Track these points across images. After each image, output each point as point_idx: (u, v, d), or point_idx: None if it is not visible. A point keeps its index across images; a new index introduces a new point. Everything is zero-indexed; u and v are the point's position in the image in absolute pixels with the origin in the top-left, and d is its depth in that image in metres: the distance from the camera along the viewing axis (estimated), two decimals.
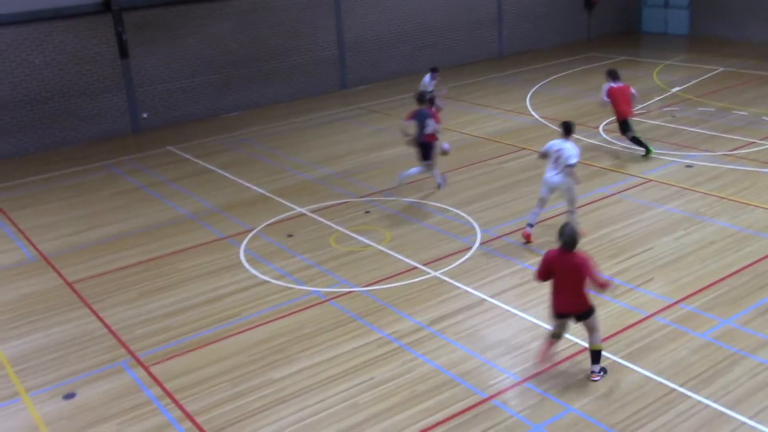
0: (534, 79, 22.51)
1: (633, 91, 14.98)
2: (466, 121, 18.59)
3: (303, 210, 13.65)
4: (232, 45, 20.88)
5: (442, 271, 10.91)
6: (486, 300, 10.02)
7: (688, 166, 14.44)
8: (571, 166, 11.10)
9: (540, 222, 11.86)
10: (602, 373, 8.23)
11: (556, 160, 11.23)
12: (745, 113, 17.57)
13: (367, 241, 12.11)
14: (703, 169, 14.21)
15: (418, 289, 10.46)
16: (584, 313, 8.02)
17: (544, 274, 8.13)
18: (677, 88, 20.08)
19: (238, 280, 11.14)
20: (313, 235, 12.52)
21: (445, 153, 14.20)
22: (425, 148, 13.70)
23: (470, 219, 12.70)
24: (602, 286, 7.86)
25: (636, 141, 15.05)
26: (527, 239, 11.60)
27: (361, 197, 14.10)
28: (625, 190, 13.51)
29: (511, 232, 12.06)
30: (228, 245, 12.38)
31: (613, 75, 14.94)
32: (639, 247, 11.22)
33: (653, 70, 22.42)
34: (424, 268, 11.06)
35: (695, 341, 8.73)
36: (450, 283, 10.54)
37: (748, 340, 8.68)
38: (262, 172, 16.00)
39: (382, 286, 10.58)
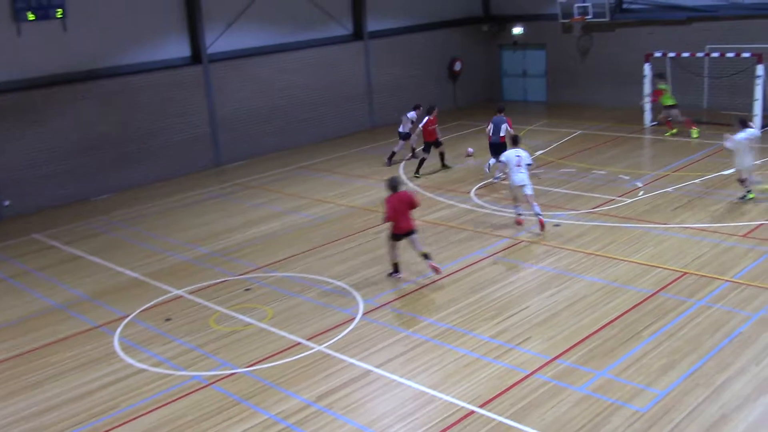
0: (405, 148, 23.08)
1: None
2: (342, 193, 18.80)
3: (180, 292, 13.27)
4: (99, 127, 20.37)
5: (326, 344, 10.82)
6: (372, 371, 9.98)
7: (556, 225, 15.12)
8: (530, 165, 14.85)
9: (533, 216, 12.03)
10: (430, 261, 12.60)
11: (519, 164, 14.64)
12: (604, 172, 18.67)
13: (248, 320, 11.88)
14: (569, 228, 14.91)
15: (303, 365, 10.30)
16: (413, 230, 12.59)
17: (391, 214, 12.43)
18: (541, 152, 21.13)
19: (113, 370, 10.62)
20: (192, 318, 12.16)
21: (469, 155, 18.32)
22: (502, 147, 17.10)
23: (351, 290, 12.72)
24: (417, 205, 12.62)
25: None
26: (541, 225, 14.66)
27: (240, 275, 13.87)
28: (499, 251, 13.96)
29: (393, 300, 12.16)
30: (101, 334, 11.82)
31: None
32: (515, 307, 11.55)
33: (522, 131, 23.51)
34: (307, 343, 10.93)
35: (575, 395, 9.00)
36: (335, 357, 10.45)
37: (623, 389, 9.03)
38: (136, 255, 15.50)
39: (266, 365, 10.36)
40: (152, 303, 12.88)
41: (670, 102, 22.04)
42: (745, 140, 15.12)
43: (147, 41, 21.32)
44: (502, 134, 18.08)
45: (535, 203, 14.82)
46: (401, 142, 21.38)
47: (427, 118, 19.53)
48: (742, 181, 15.53)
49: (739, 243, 13.40)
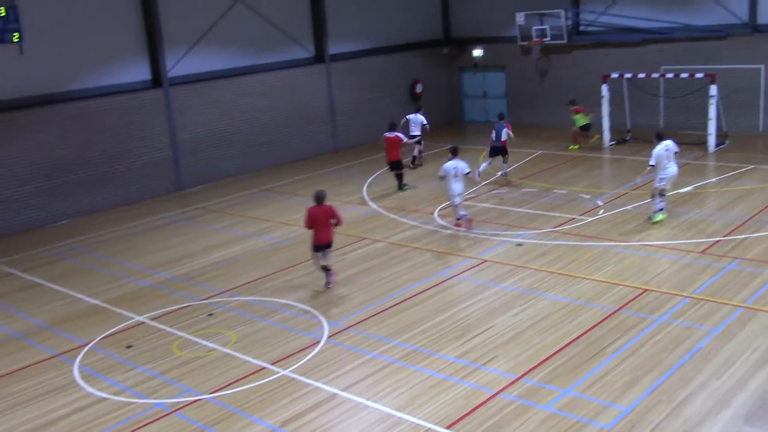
0: (369, 170, 23.19)
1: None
2: None
3: (142, 318, 13.07)
4: (59, 151, 20.08)
5: (291, 368, 10.73)
6: (338, 394, 9.92)
7: (519, 244, 15.25)
8: (467, 173, 16.00)
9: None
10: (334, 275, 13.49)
11: (456, 174, 15.81)
12: (564, 192, 18.91)
13: (212, 345, 11.74)
14: (532, 247, 15.05)
15: (268, 390, 10.20)
16: (330, 243, 13.34)
17: (309, 223, 13.19)
18: (502, 172, 21.33)
19: (73, 400, 10.39)
20: (155, 344, 11.98)
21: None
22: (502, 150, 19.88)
23: (316, 313, 12.66)
24: (339, 221, 13.29)
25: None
26: (466, 225, 16.08)
27: (203, 299, 13.72)
28: (463, 272, 14.02)
29: (358, 322, 12.12)
30: (60, 363, 11.58)
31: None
32: (480, 327, 11.59)
33: (479, 156, 23.74)
34: (272, 367, 10.83)
35: (541, 414, 9.03)
36: (300, 381, 10.36)
37: (588, 407, 9.09)
38: (96, 281, 15.25)
39: (230, 391, 10.23)
40: (113, 330, 12.66)
41: (583, 122, 23.56)
42: (663, 153, 15.52)
43: (106, 65, 21.14)
44: (503, 139, 20.08)
45: (461, 210, 16.31)
46: (417, 146, 22.76)
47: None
48: (661, 195, 15.81)
49: (697, 259, 13.65)
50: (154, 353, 11.63)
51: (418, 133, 22.69)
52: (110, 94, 21.14)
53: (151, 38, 21.91)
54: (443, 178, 16.07)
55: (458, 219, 16.38)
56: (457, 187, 15.91)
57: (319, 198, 13.26)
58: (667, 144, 15.70)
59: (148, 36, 21.92)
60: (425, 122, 22.79)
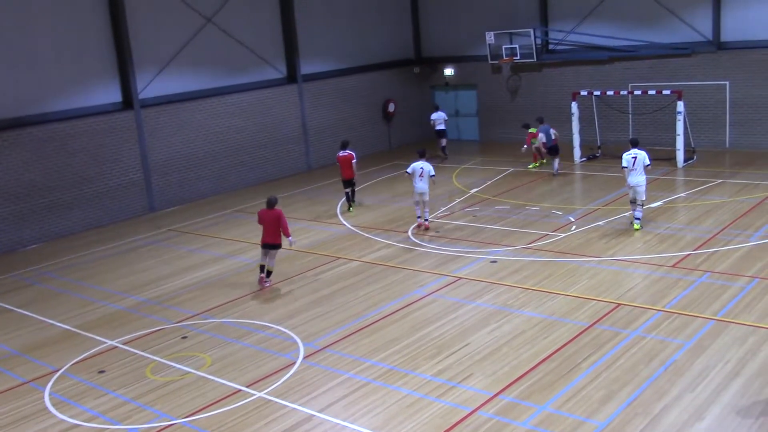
0: (343, 189, 23.13)
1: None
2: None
3: (114, 343, 12.90)
4: (27, 175, 19.82)
5: (267, 390, 10.64)
6: (314, 416, 9.84)
7: (493, 261, 15.31)
8: (433, 176, 17.46)
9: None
10: (269, 278, 14.93)
11: (421, 174, 17.23)
12: (537, 208, 19.06)
13: (186, 368, 11.61)
14: (506, 264, 15.11)
15: (244, 412, 10.09)
16: (276, 245, 14.67)
17: (259, 222, 14.75)
18: (475, 189, 21.47)
19: (44, 428, 10.20)
20: (127, 369, 11.81)
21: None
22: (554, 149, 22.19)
23: (291, 333, 12.58)
24: (285, 230, 14.58)
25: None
26: (425, 228, 17.55)
27: (176, 322, 13.58)
28: (438, 289, 14.03)
29: (334, 343, 12.06)
30: (30, 390, 11.37)
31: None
32: (456, 344, 11.59)
33: (452, 174, 23.89)
34: (248, 390, 10.73)
35: (518, 430, 9.03)
36: (276, 403, 10.27)
37: (564, 423, 9.11)
38: (67, 306, 15.03)
39: (205, 415, 10.11)
40: (85, 355, 12.48)
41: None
42: (630, 160, 16.12)
43: (76, 87, 20.99)
44: (553, 138, 22.29)
45: (426, 210, 17.71)
46: (442, 140, 26.63)
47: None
48: (632, 203, 16.64)
49: (668, 273, 13.80)
50: (127, 378, 11.47)
51: (443, 127, 26.46)
52: (80, 116, 20.96)
53: (122, 60, 21.80)
54: (411, 175, 17.58)
55: (421, 218, 17.86)
56: (419, 186, 17.34)
57: (270, 202, 14.68)
58: (635, 152, 16.21)
59: (118, 58, 21.81)
60: (446, 118, 26.67)
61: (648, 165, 16.17)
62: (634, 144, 16.67)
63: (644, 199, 16.50)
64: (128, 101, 22.00)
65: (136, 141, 22.10)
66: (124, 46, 21.63)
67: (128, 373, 11.66)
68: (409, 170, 17.74)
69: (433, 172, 17.56)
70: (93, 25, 21.26)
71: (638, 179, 16.12)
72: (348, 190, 20.64)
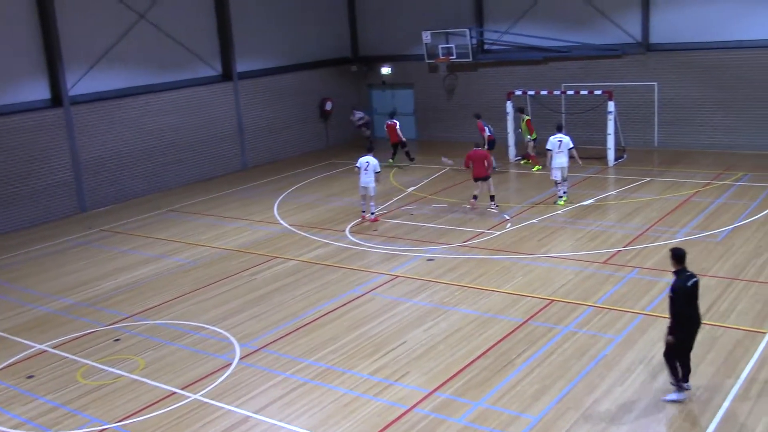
0: (279, 188, 23.06)
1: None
2: (216, 236, 18.45)
3: (43, 346, 12.55)
4: None
5: (202, 392, 10.50)
6: (251, 417, 9.77)
7: (430, 259, 15.43)
8: (378, 172, 18.02)
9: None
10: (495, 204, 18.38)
11: (366, 168, 17.87)
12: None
13: (118, 372, 11.37)
14: (443, 261, 15.26)
15: (178, 415, 9.94)
16: (487, 176, 18.22)
17: (467, 162, 18.33)
18: (413, 188, 21.60)
19: None
20: (57, 373, 11.51)
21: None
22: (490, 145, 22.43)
23: (227, 334, 12.45)
24: (490, 165, 18.29)
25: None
26: (373, 221, 18.24)
27: (109, 325, 13.29)
28: (375, 288, 14.08)
29: (271, 343, 11.98)
30: None
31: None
32: (393, 342, 11.66)
33: (389, 173, 23.96)
34: (182, 392, 10.57)
35: (454, 427, 9.14)
36: (212, 405, 10.15)
37: (499, 418, 9.26)
38: None
39: (138, 419, 9.92)
40: (12, 360, 12.10)
41: (529, 135, 23.39)
42: (556, 143, 18.45)
43: (1, 84, 20.30)
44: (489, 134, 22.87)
45: (372, 203, 18.34)
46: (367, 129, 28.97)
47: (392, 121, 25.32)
48: (556, 184, 18.95)
49: (599, 269, 14.14)
50: (57, 383, 11.18)
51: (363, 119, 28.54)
52: (7, 114, 20.28)
53: (50, 56, 21.19)
54: (359, 169, 18.12)
55: (365, 213, 18.50)
56: (364, 179, 17.96)
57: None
58: (560, 137, 18.58)
59: (46, 53, 21.19)
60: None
61: (572, 147, 18.59)
62: (559, 129, 19.15)
63: (567, 176, 18.83)
64: (57, 98, 21.40)
65: (66, 139, 21.52)
66: (52, 41, 21.03)
67: (58, 377, 11.36)
68: (357, 165, 18.24)
69: (378, 168, 18.10)
70: (19, 19, 20.61)
71: (562, 160, 18.45)
72: (393, 151, 24.80)
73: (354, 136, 30.27)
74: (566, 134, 18.91)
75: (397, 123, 25.03)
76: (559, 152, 18.36)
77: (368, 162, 18.04)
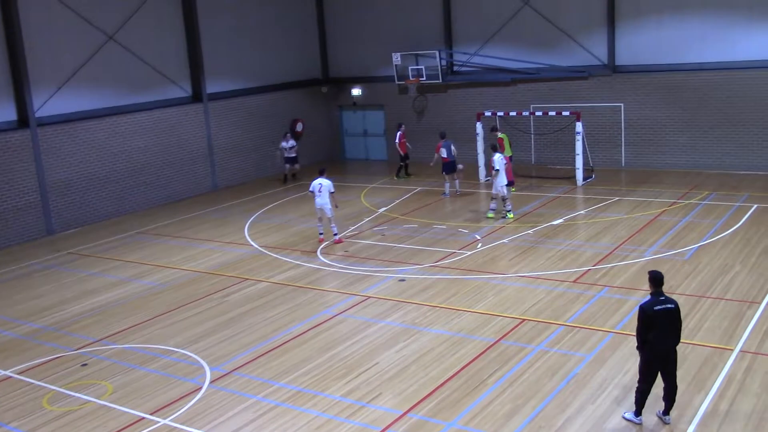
0: (250, 210, 22.95)
1: None
2: (186, 257, 18.28)
3: (7, 373, 12.29)
4: None
5: (171, 417, 10.35)
6: None
7: (401, 280, 15.43)
8: (332, 193, 18.01)
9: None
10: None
11: (320, 190, 17.86)
12: (444, 227, 19.35)
13: (86, 397, 11.17)
14: (414, 282, 15.26)
15: None
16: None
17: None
18: (384, 209, 21.62)
19: None
20: (22, 400, 11.27)
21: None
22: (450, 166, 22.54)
23: (198, 358, 12.30)
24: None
25: None
26: (337, 242, 18.28)
27: (76, 349, 13.06)
28: (347, 309, 14.03)
29: (241, 366, 11.86)
30: None
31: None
32: (365, 364, 11.60)
33: (360, 193, 23.99)
34: (151, 417, 10.41)
35: None
36: (182, 430, 10.01)
37: None
38: None
39: None
40: None
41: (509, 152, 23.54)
42: (503, 164, 19.19)
43: None
44: (453, 154, 22.41)
45: (333, 225, 18.29)
46: (295, 165, 27.17)
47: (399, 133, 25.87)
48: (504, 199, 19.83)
49: (570, 288, 14.24)
50: (22, 409, 10.95)
51: (293, 155, 26.74)
52: None
53: (17, 76, 20.96)
54: (312, 192, 18.18)
55: (323, 235, 18.67)
56: (319, 201, 18.00)
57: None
58: (502, 156, 19.84)
59: (12, 74, 20.96)
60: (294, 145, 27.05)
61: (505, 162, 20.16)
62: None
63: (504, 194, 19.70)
64: (24, 119, 21.15)
65: (33, 161, 21.24)
66: (19, 61, 20.80)
67: (23, 404, 11.13)
68: (310, 189, 18.35)
69: (332, 189, 18.13)
70: None
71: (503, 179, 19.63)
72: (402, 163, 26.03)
73: (325, 157, 30.26)
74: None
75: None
76: (497, 171, 19.38)
77: (321, 184, 18.01)
